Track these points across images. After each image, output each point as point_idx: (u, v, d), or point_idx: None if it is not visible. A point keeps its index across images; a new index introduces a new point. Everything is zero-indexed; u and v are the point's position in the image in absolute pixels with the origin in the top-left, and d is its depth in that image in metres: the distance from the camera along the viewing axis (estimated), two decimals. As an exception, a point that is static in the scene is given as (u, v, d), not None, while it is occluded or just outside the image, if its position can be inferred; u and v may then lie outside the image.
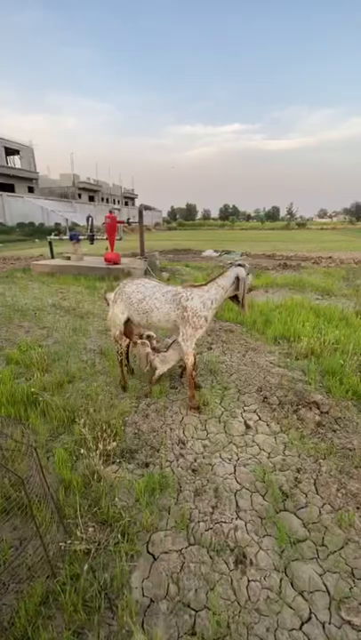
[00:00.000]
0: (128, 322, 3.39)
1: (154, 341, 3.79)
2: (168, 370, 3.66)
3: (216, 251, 18.80)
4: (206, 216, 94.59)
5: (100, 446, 2.44)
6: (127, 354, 3.96)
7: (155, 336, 3.83)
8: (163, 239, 31.92)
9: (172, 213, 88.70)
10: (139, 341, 3.53)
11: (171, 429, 2.88)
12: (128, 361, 3.97)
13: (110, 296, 3.59)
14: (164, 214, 79.89)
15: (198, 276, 9.96)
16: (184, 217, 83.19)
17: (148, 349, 3.49)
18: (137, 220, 10.01)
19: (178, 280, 9.18)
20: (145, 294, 3.16)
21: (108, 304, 3.61)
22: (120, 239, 11.51)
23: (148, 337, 3.80)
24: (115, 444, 2.51)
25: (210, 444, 2.71)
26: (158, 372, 3.41)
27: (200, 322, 3.00)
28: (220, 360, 4.28)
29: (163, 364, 3.41)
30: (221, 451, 2.65)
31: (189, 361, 3.13)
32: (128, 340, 3.77)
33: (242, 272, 2.98)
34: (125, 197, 59.93)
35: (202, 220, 75.25)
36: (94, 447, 2.47)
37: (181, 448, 2.66)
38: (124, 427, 2.89)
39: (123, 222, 11.04)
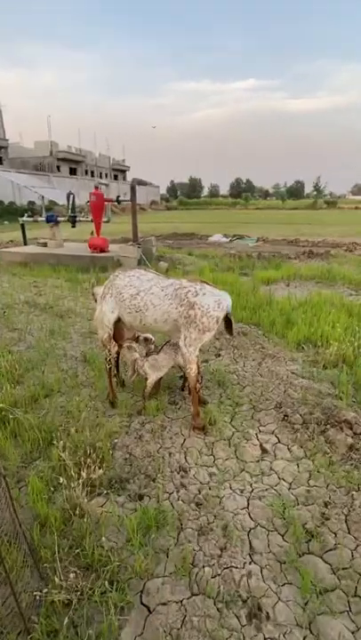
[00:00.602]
0: (119, 323, 3.43)
1: (151, 346, 3.82)
2: (162, 378, 3.69)
3: (226, 236, 18.90)
4: (214, 193, 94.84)
5: (84, 474, 2.46)
6: (117, 362, 3.99)
7: (153, 339, 3.85)
8: (160, 221, 32.03)
9: (172, 190, 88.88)
10: (125, 344, 3.56)
11: (170, 454, 2.90)
12: (118, 371, 3.99)
13: (98, 291, 3.61)
14: (162, 190, 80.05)
15: (204, 266, 10.02)
16: (187, 194, 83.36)
17: (136, 354, 3.52)
18: (128, 197, 10.04)
19: (179, 271, 9.24)
20: (139, 288, 3.19)
21: (96, 300, 3.65)
22: (108, 221, 11.57)
23: (146, 340, 3.83)
24: (101, 471, 2.53)
25: (218, 473, 2.72)
26: (150, 382, 3.44)
27: (210, 323, 3.02)
28: (230, 369, 4.30)
29: (154, 371, 3.44)
30: (232, 480, 2.66)
31: (192, 371, 3.15)
32: (118, 346, 3.80)
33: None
34: (115, 170, 60.18)
35: (208, 198, 75.41)
36: (76, 475, 2.49)
37: (183, 477, 2.68)
38: (113, 450, 2.91)
39: (111, 200, 11.10)
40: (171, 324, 3.13)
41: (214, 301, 3.06)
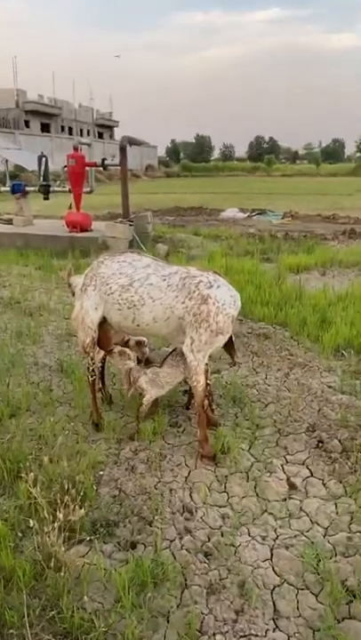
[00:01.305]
0: (104, 323, 3.45)
1: (145, 349, 3.84)
2: (164, 396, 3.71)
3: (243, 210, 18.94)
4: (228, 155, 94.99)
5: (60, 516, 2.48)
6: (103, 373, 4.02)
7: (146, 342, 3.88)
8: (159, 191, 32.07)
9: (174, 151, 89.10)
10: (115, 350, 3.58)
11: (171, 490, 2.92)
12: (104, 384, 4.02)
13: (77, 281, 3.64)
14: (161, 152, 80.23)
15: (215, 250, 10.06)
16: (192, 156, 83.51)
17: (131, 363, 3.54)
18: (117, 161, 10.04)
19: (182, 256, 9.29)
20: (132, 278, 3.21)
21: (74, 293, 3.67)
22: (91, 191, 11.63)
23: (138, 343, 3.85)
24: (82, 512, 2.54)
25: (232, 514, 2.74)
26: (147, 400, 3.46)
27: (225, 324, 3.05)
28: (249, 382, 4.31)
29: (153, 387, 3.47)
30: (250, 524, 2.68)
31: (199, 384, 3.18)
32: (104, 352, 3.83)
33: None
34: (100, 126, 60.43)
35: (220, 162, 75.51)
36: (51, 517, 2.51)
37: (187, 519, 2.70)
38: (98, 486, 2.94)
39: (95, 165, 11.15)
40: (173, 325, 3.15)
41: (230, 297, 3.09)
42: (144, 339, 3.88)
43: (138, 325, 3.22)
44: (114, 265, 3.31)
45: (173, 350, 3.53)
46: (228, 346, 3.32)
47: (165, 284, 3.14)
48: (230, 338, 3.26)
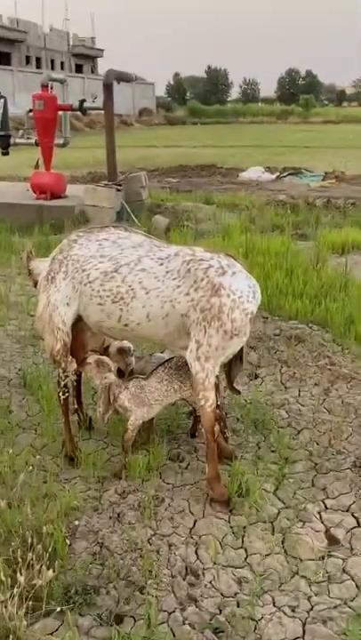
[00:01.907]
0: (79, 323, 3.47)
1: (130, 358, 3.86)
2: (161, 419, 3.72)
3: (270, 170, 18.91)
4: (250, 95, 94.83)
5: (21, 579, 2.49)
6: (79, 388, 4.04)
7: (131, 349, 3.90)
8: (158, 144, 31.95)
9: (178, 89, 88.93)
10: (89, 359, 3.60)
11: (170, 546, 2.93)
12: (80, 402, 4.04)
13: (41, 266, 3.65)
14: (161, 91, 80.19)
15: (232, 223, 10.05)
16: (202, 97, 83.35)
17: (111, 376, 3.55)
18: (101, 103, 10.00)
19: (189, 232, 9.31)
20: (118, 261, 3.23)
21: (37, 283, 3.70)
22: (65, 144, 11.65)
23: (121, 351, 3.87)
24: (51, 573, 2.56)
25: (252, 578, 2.75)
26: (133, 423, 3.50)
27: (242, 322, 3.07)
28: (275, 401, 4.32)
29: (139, 405, 3.47)
30: (276, 591, 2.69)
31: (207, 402, 3.19)
32: (79, 362, 3.84)
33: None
34: (78, 56, 60.55)
35: (240, 104, 75.29)
36: (9, 581, 2.53)
37: (192, 584, 2.71)
38: (72, 540, 2.95)
39: (70, 108, 11.18)
40: (174, 324, 3.17)
41: (249, 287, 3.10)
42: (129, 345, 3.90)
43: (126, 326, 3.24)
44: (92, 244, 3.32)
45: (167, 361, 3.55)
46: (232, 361, 3.35)
47: (163, 269, 3.15)
48: (240, 349, 3.28)
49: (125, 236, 3.33)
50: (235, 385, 3.57)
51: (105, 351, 3.88)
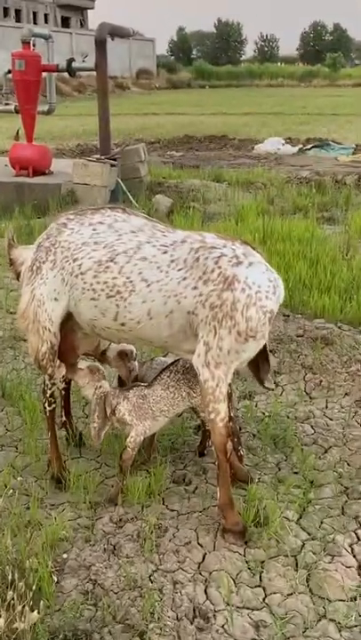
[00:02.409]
0: (69, 322, 3.47)
1: (133, 363, 3.84)
2: (163, 433, 3.71)
3: (291, 141, 18.87)
4: (268, 53, 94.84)
5: (1, 622, 2.50)
6: (67, 398, 4.04)
7: (134, 352, 3.88)
8: (159, 111, 31.85)
9: (182, 47, 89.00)
10: (81, 365, 3.59)
11: (175, 584, 2.93)
12: (69, 415, 4.05)
13: (25, 255, 3.66)
14: (162, 49, 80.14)
15: (247, 204, 10.03)
16: (212, 56, 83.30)
17: (105, 385, 3.54)
18: (92, 63, 9.97)
19: (196, 215, 9.29)
20: (115, 249, 3.23)
21: (19, 275, 3.70)
22: (50, 111, 11.64)
23: (122, 355, 3.85)
24: (36, 615, 2.57)
25: (272, 621, 2.74)
26: (133, 440, 3.48)
27: (259, 322, 3.06)
28: (299, 414, 4.33)
29: (142, 418, 3.47)
30: (301, 637, 2.68)
31: (219, 416, 3.18)
32: (68, 368, 3.82)
33: None
34: (65, 7, 60.48)
35: (257, 64, 75.23)
36: (-14, 624, 2.54)
37: (201, 629, 2.71)
38: (60, 576, 2.95)
39: (56, 69, 11.16)
40: (179, 323, 3.16)
41: (269, 281, 3.09)
42: (131, 347, 3.86)
43: (123, 325, 3.23)
44: (85, 229, 3.32)
45: (173, 364, 3.54)
46: (259, 360, 3.34)
47: (167, 258, 3.15)
48: (264, 347, 3.27)
49: (123, 219, 3.32)
50: (266, 384, 3.55)
51: (102, 356, 3.85)
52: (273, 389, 3.77)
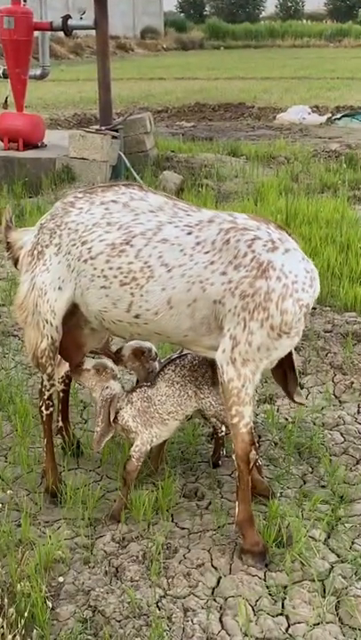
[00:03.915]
0: (75, 315, 3.48)
1: (153, 364, 3.77)
2: (172, 441, 3.71)
3: (319, 110, 18.77)
4: (291, 10, 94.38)
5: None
6: (66, 401, 4.05)
7: (153, 351, 3.84)
8: (167, 75, 31.69)
9: (193, 3, 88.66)
10: (87, 365, 3.56)
11: (186, 610, 2.93)
12: (67, 420, 4.07)
13: (24, 238, 3.67)
14: (170, 6, 79.85)
15: (267, 181, 9.99)
16: (225, 12, 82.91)
17: (115, 386, 3.52)
18: (90, 21, 9.94)
19: (208, 193, 9.26)
20: (132, 230, 3.22)
21: (17, 261, 3.71)
22: (43, 76, 11.66)
23: (137, 354, 3.81)
24: (28, 645, 2.58)
25: (295, 655, 2.75)
26: (138, 450, 3.48)
27: (295, 316, 3.05)
28: (327, 420, 4.33)
29: (147, 425, 3.47)
30: (328, 673, 2.69)
31: (243, 420, 3.17)
32: (68, 369, 3.85)
33: None
34: None
35: (277, 22, 74.87)
36: (-28, 655, 2.55)
37: (215, 663, 2.71)
38: (55, 601, 2.96)
39: (50, 28, 11.14)
40: (202, 314, 3.16)
41: (306, 272, 3.10)
42: (149, 345, 3.81)
43: (137, 317, 3.23)
44: (96, 208, 3.31)
45: (179, 357, 3.54)
46: (285, 367, 3.37)
47: (192, 239, 3.14)
48: (289, 353, 3.28)
49: (141, 197, 3.30)
50: (296, 398, 3.53)
51: (116, 355, 3.76)
52: (305, 405, 3.72)
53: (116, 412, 3.44)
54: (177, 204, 3.30)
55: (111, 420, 3.43)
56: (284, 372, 3.44)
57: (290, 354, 3.32)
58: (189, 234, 3.15)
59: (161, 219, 3.20)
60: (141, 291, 3.15)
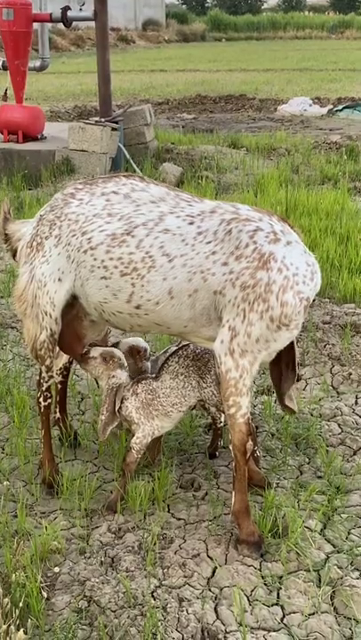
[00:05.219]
0: (74, 307, 3.48)
1: (146, 364, 3.79)
2: (170, 432, 3.70)
3: (320, 101, 18.75)
4: (293, 1, 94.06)
5: (-18, 644, 2.52)
6: (64, 392, 4.06)
7: (148, 350, 3.86)
8: (168, 67, 31.63)
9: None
10: (93, 353, 3.57)
11: (181, 601, 2.93)
12: (64, 411, 4.08)
13: (23, 230, 3.67)
14: (172, -3, 79.50)
15: (267, 173, 9.98)
16: (227, 4, 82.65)
17: (122, 375, 3.54)
18: (90, 12, 9.92)
19: (208, 185, 9.26)
20: (133, 221, 3.22)
21: (16, 253, 3.70)
22: (43, 68, 11.64)
23: (133, 351, 3.83)
24: (22, 635, 2.58)
25: (290, 644, 2.76)
26: (139, 441, 3.50)
27: (295, 309, 3.06)
28: (324, 410, 4.34)
29: (150, 417, 3.49)
30: (323, 662, 2.69)
31: (240, 411, 3.18)
32: (66, 361, 3.86)
33: None
34: None
35: (279, 13, 74.63)
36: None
37: (210, 652, 2.72)
38: (51, 591, 2.97)
39: (49, 19, 11.11)
40: (202, 305, 3.16)
41: (307, 265, 3.10)
42: (145, 345, 3.83)
43: (138, 307, 3.23)
44: (96, 200, 3.30)
45: (181, 348, 3.54)
46: (283, 365, 3.37)
47: (194, 229, 3.14)
48: (291, 345, 3.28)
49: (142, 188, 3.29)
50: (287, 401, 3.51)
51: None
52: (295, 413, 3.71)
53: (121, 402, 3.46)
54: (179, 195, 3.30)
55: (116, 409, 3.44)
56: (280, 370, 3.44)
57: (292, 350, 3.33)
58: (191, 224, 3.15)
59: (162, 209, 3.21)
60: (142, 281, 3.16)
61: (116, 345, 3.79)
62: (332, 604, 2.92)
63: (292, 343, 3.30)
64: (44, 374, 3.61)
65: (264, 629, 2.79)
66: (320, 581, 3.01)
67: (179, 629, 2.78)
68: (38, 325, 3.45)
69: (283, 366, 3.42)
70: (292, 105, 17.89)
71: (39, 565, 3.04)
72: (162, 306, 3.17)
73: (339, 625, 2.81)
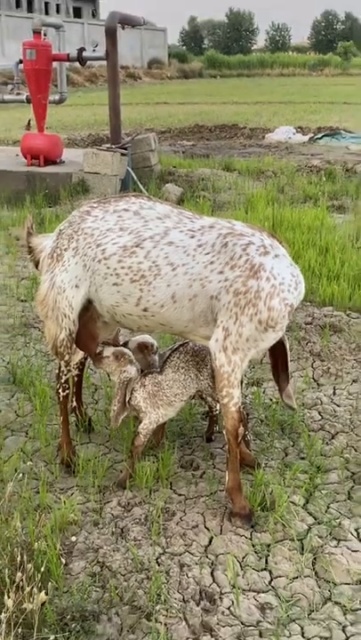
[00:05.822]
0: (89, 310, 3.48)
1: (154, 357, 3.81)
2: (172, 419, 3.70)
3: (302, 130, 18.79)
4: (280, 43, 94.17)
5: (10, 603, 2.52)
6: (79, 384, 4.07)
7: (155, 346, 3.87)
8: (170, 100, 31.82)
9: (194, 36, 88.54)
10: (106, 352, 3.57)
11: (182, 566, 2.95)
12: (80, 400, 4.09)
13: (44, 243, 3.66)
14: (173, 39, 79.68)
15: (257, 192, 10.00)
16: (222, 45, 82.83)
17: (132, 370, 3.54)
18: (102, 52, 9.95)
19: (205, 203, 9.27)
20: (142, 235, 3.24)
21: (38, 263, 3.70)
22: (61, 101, 11.64)
23: (142, 348, 3.83)
24: (44, 596, 2.58)
25: (277, 604, 2.76)
26: (146, 427, 3.51)
27: (280, 313, 3.09)
28: (306, 400, 4.35)
29: (155, 406, 3.51)
30: (306, 619, 2.69)
31: (232, 401, 3.20)
32: (82, 357, 3.86)
33: None
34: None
35: (268, 54, 74.74)
36: (-5, 605, 2.55)
37: (207, 610, 2.73)
38: (69, 558, 2.99)
39: (67, 59, 11.14)
40: (200, 308, 3.18)
41: (292, 276, 3.12)
42: (152, 341, 3.85)
43: (145, 310, 3.25)
44: (109, 216, 3.32)
45: (182, 345, 3.56)
46: (281, 365, 3.40)
47: (195, 242, 3.16)
48: (282, 343, 3.30)
49: (149, 207, 3.31)
50: (286, 399, 3.51)
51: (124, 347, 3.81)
52: (294, 409, 3.72)
53: (130, 393, 3.47)
54: (182, 212, 3.33)
55: (127, 400, 3.46)
56: (277, 369, 3.48)
57: (285, 356, 3.37)
58: (192, 237, 3.17)
59: (167, 224, 3.23)
60: (149, 287, 3.18)
61: (126, 343, 3.80)
62: (314, 569, 2.95)
63: (285, 347, 3.34)
64: (62, 368, 3.64)
65: (254, 591, 2.83)
66: (303, 549, 3.05)
67: (180, 591, 2.81)
68: (58, 326, 3.46)
69: (279, 367, 3.45)
70: (278, 133, 17.89)
71: (58, 535, 3.06)
72: (166, 308, 3.20)
73: (319, 587, 2.84)
